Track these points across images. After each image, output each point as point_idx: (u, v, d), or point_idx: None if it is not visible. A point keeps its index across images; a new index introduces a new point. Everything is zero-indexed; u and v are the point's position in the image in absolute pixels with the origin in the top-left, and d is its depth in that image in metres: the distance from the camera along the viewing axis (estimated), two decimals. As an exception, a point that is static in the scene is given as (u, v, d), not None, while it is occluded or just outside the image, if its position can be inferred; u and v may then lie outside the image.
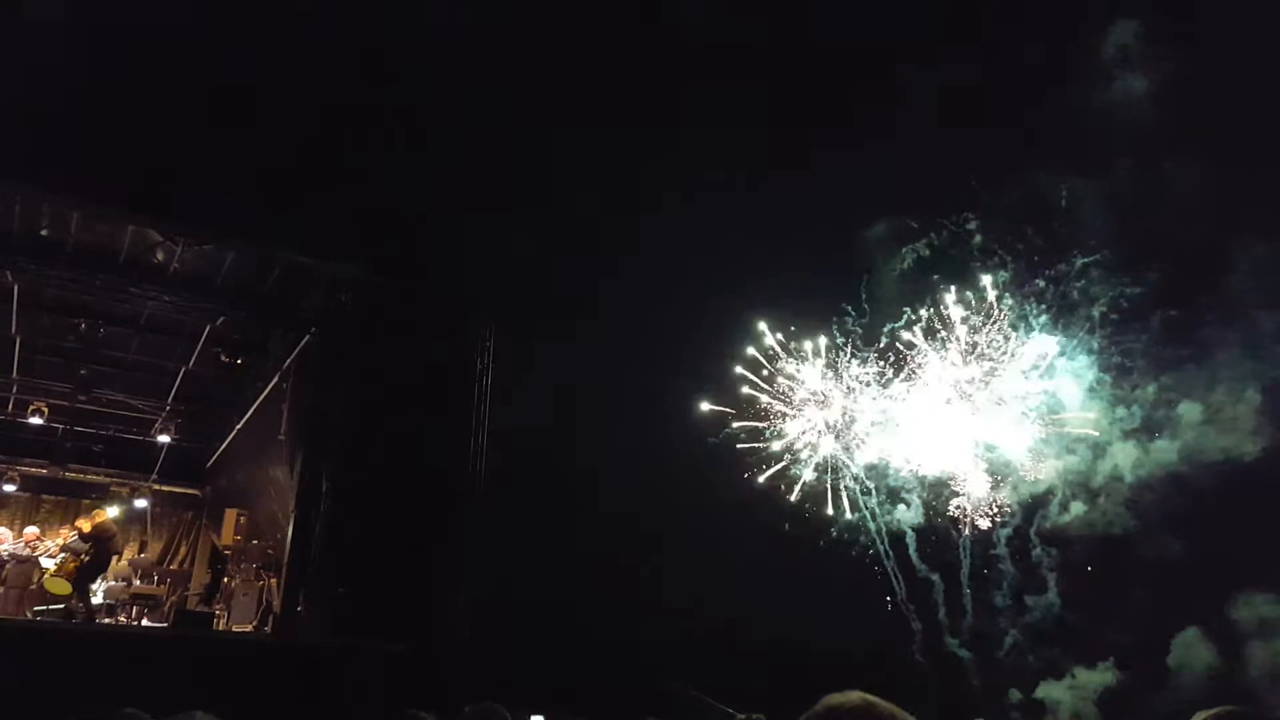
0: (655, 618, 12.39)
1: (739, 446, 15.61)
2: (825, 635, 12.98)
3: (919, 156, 13.87)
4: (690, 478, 14.14)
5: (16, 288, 12.53)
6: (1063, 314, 14.42)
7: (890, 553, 15.19)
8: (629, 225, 14.15)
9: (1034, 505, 14.38)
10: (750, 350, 16.00)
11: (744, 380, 15.90)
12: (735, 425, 15.67)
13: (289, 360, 13.26)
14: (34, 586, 12.42)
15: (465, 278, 12.68)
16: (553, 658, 10.85)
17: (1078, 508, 13.96)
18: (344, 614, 10.85)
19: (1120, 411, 13.86)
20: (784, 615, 13.04)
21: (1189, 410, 13.31)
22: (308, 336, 12.70)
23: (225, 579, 14.31)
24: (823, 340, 15.77)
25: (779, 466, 15.60)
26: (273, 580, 12.84)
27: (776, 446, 15.70)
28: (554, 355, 13.11)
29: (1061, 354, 14.40)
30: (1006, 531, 14.56)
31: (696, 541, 13.41)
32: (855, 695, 1.72)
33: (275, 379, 13.74)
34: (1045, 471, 14.30)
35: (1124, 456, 13.70)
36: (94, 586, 12.64)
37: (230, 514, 15.15)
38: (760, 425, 15.69)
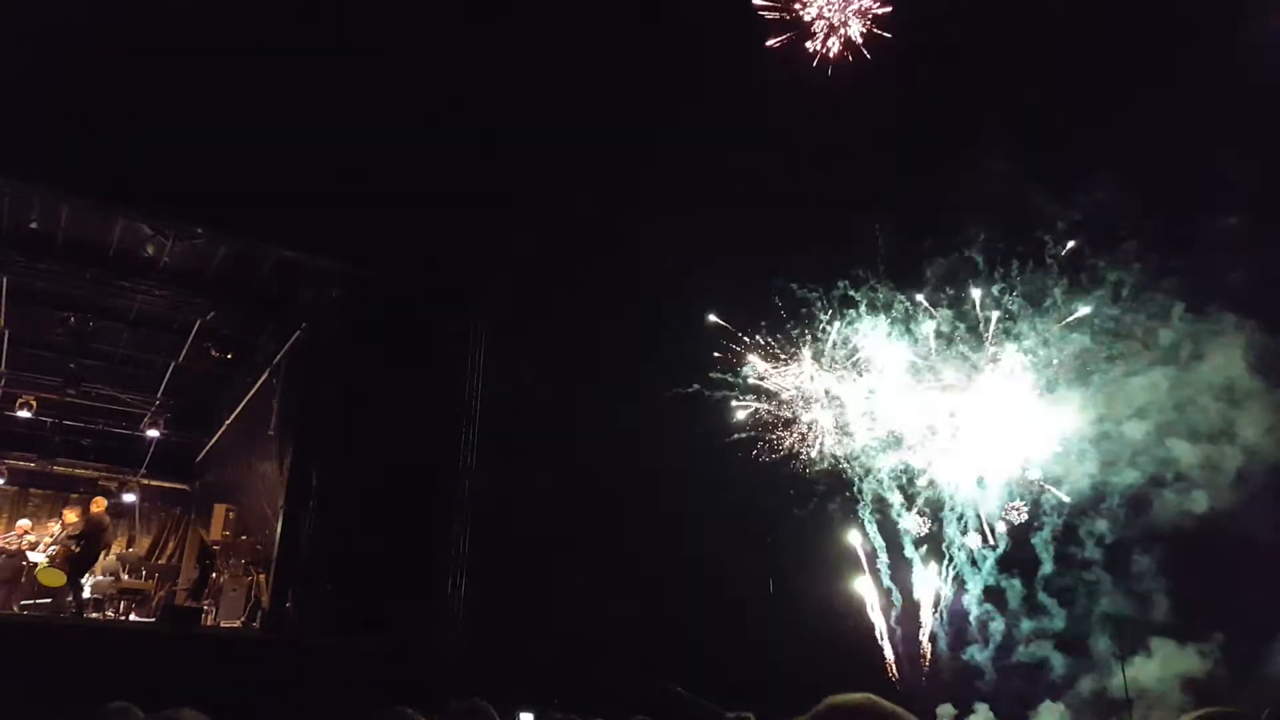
0: (659, 619, 12.28)
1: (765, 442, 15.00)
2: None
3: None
4: (699, 473, 13.81)
5: (6, 281, 12.48)
6: (1198, 283, 12.95)
7: (960, 550, 14.60)
8: (626, 220, 14.07)
9: (1141, 493, 13.42)
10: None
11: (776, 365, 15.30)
12: (763, 416, 15.08)
13: (279, 356, 13.23)
14: (23, 580, 12.36)
15: (457, 274, 12.66)
16: (541, 655, 10.86)
17: (1195, 497, 12.94)
18: (332, 610, 10.86)
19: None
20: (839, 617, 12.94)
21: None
22: (298, 332, 12.67)
23: (214, 574, 14.24)
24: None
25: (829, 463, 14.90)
26: (261, 576, 12.81)
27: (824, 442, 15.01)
28: (547, 350, 13.06)
29: (1184, 336, 13.22)
30: (1100, 526, 13.79)
31: (703, 539, 13.18)
32: (859, 695, 1.75)
33: (265, 374, 13.71)
34: (1156, 460, 13.38)
35: (1247, 436, 12.67)
36: (83, 580, 12.58)
37: (219, 509, 15.10)
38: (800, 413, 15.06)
